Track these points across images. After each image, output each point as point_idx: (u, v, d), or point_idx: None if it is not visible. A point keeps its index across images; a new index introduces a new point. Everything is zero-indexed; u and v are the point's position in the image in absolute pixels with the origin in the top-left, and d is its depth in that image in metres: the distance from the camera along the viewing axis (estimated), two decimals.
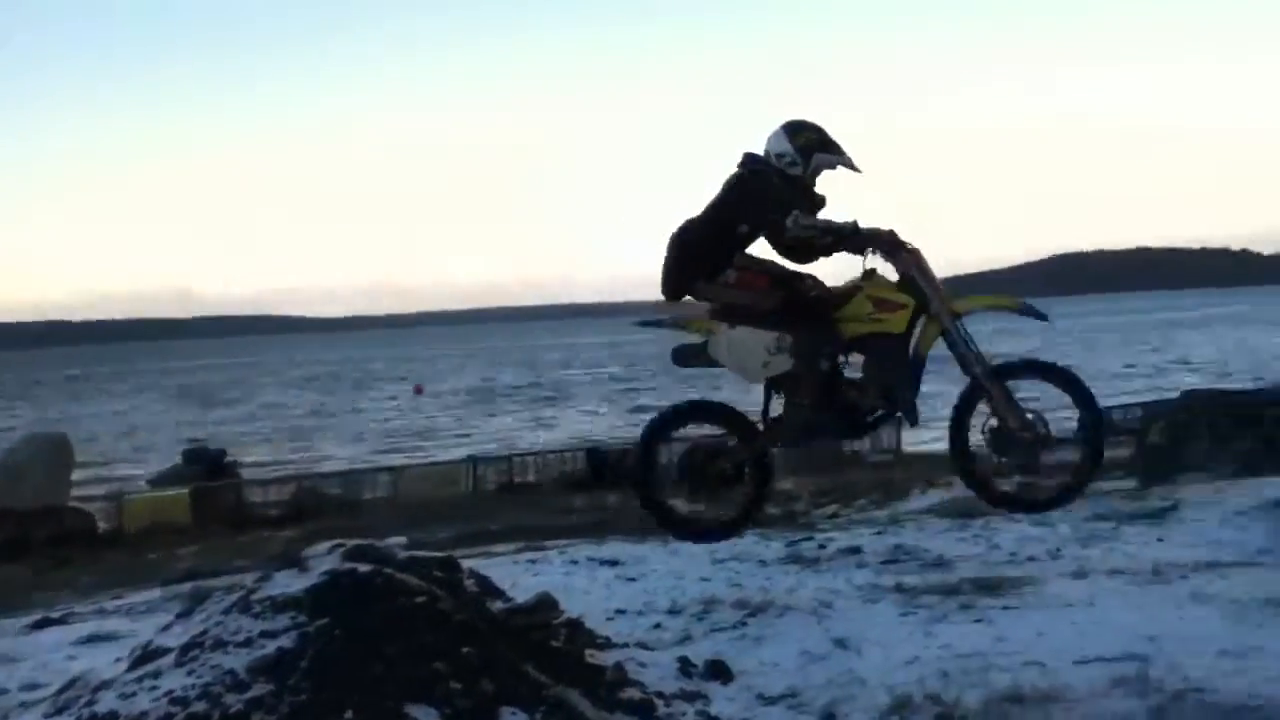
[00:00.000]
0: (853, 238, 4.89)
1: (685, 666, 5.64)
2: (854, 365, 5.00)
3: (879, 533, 9.76)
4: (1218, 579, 6.68)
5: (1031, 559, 7.92)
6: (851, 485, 15.81)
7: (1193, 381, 36.32)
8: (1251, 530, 8.06)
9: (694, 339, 4.88)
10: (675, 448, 5.79)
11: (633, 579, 8.26)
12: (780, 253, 5.05)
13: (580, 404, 50.23)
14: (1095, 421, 4.79)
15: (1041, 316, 5.19)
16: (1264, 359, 53.02)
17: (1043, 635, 5.81)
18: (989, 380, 4.81)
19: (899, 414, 4.80)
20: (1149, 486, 10.97)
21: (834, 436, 5.00)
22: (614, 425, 38.10)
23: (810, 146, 5.32)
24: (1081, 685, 4.94)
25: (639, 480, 4.69)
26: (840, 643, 6.01)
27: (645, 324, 5.59)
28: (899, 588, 7.20)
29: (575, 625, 5.77)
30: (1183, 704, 4.64)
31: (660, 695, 5.16)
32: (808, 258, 5.00)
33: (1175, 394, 16.18)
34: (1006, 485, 4.62)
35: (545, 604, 6.41)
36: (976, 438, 4.77)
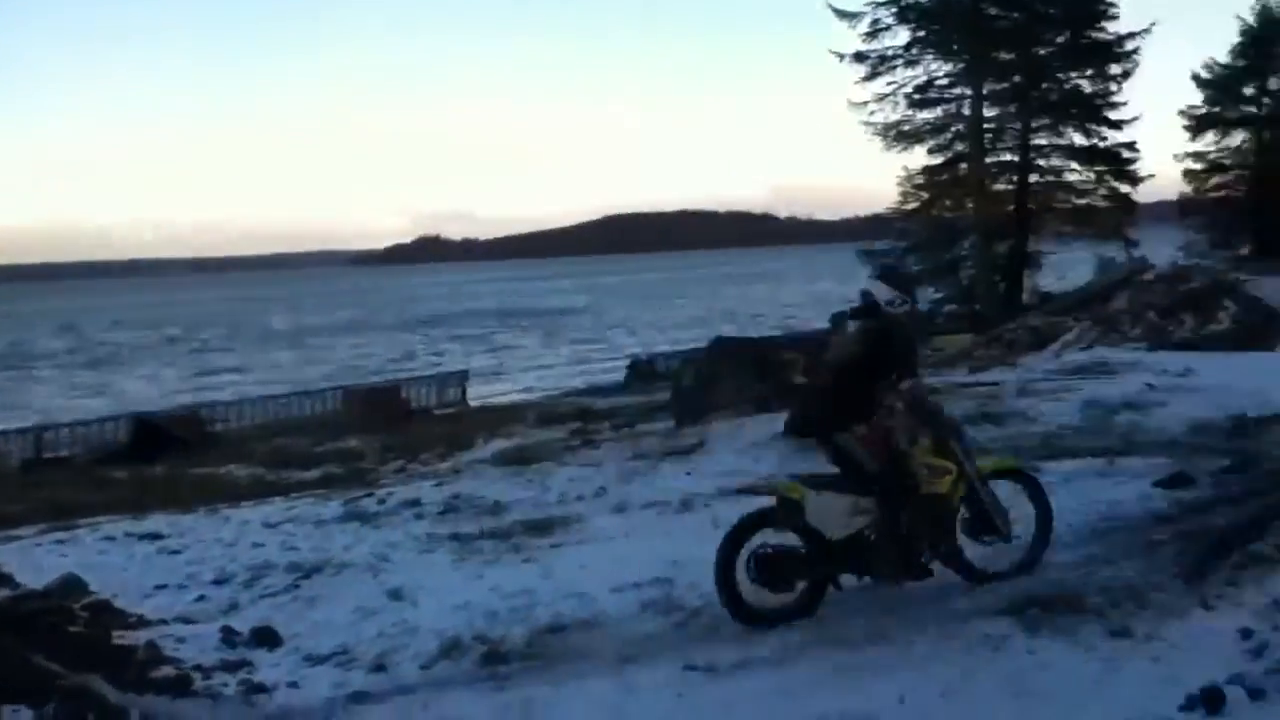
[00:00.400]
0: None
1: (229, 636, 5.40)
2: None
3: (439, 484, 9.94)
4: (734, 505, 7.43)
5: (579, 498, 8.45)
6: (418, 439, 15.86)
7: (731, 330, 40.28)
8: (763, 459, 9.10)
9: (793, 497, 5.13)
10: None
11: (176, 551, 7.76)
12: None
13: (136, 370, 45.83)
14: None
15: (1029, 477, 5.90)
16: (787, 308, 60.07)
17: (585, 568, 6.22)
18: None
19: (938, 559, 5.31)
20: (683, 426, 12.05)
21: (892, 579, 5.30)
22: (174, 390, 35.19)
23: (908, 284, 5.84)
24: (615, 610, 5.36)
25: (719, 580, 4.92)
26: (395, 594, 6.05)
27: (743, 491, 5.91)
28: (455, 536, 7.38)
29: (102, 606, 5.33)
30: (700, 617, 5.17)
31: (199, 669, 4.90)
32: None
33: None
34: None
35: (68, 586, 5.85)
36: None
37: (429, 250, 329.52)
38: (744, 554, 5.02)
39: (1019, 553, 5.50)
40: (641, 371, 25.80)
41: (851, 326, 5.65)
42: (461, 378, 27.24)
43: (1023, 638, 4.44)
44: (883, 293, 5.59)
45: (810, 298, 62.60)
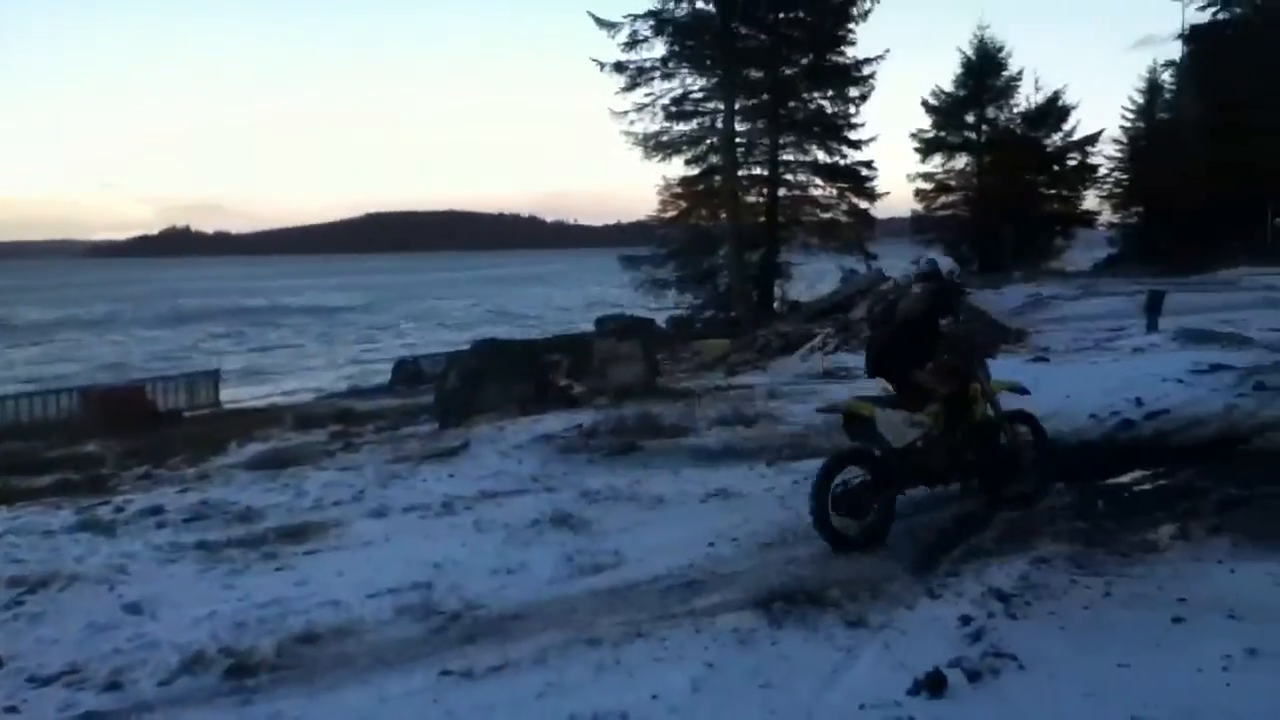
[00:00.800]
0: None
1: None
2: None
3: (185, 490, 9.38)
4: (496, 507, 7.51)
5: (337, 503, 8.19)
6: (165, 444, 14.87)
7: (500, 331, 40.04)
8: (526, 461, 9.15)
9: (865, 413, 6.30)
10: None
11: None
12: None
13: None
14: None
15: (1025, 391, 7.30)
16: (556, 310, 60.44)
17: (341, 574, 6.06)
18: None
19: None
20: (446, 427, 11.93)
21: (941, 484, 6.75)
22: None
23: (961, 262, 9.29)
24: (371, 617, 5.25)
25: (817, 520, 5.97)
26: (132, 608, 5.67)
27: (823, 411, 7.26)
28: (201, 544, 6.99)
29: None
30: (459, 622, 5.15)
31: None
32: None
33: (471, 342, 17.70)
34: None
35: None
36: None
37: (178, 243, 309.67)
38: (829, 496, 5.97)
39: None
40: (407, 373, 25.23)
41: (917, 288, 7.15)
42: (213, 378, 25.72)
43: (768, 630, 4.68)
44: (945, 264, 7.53)
45: (581, 300, 63.22)
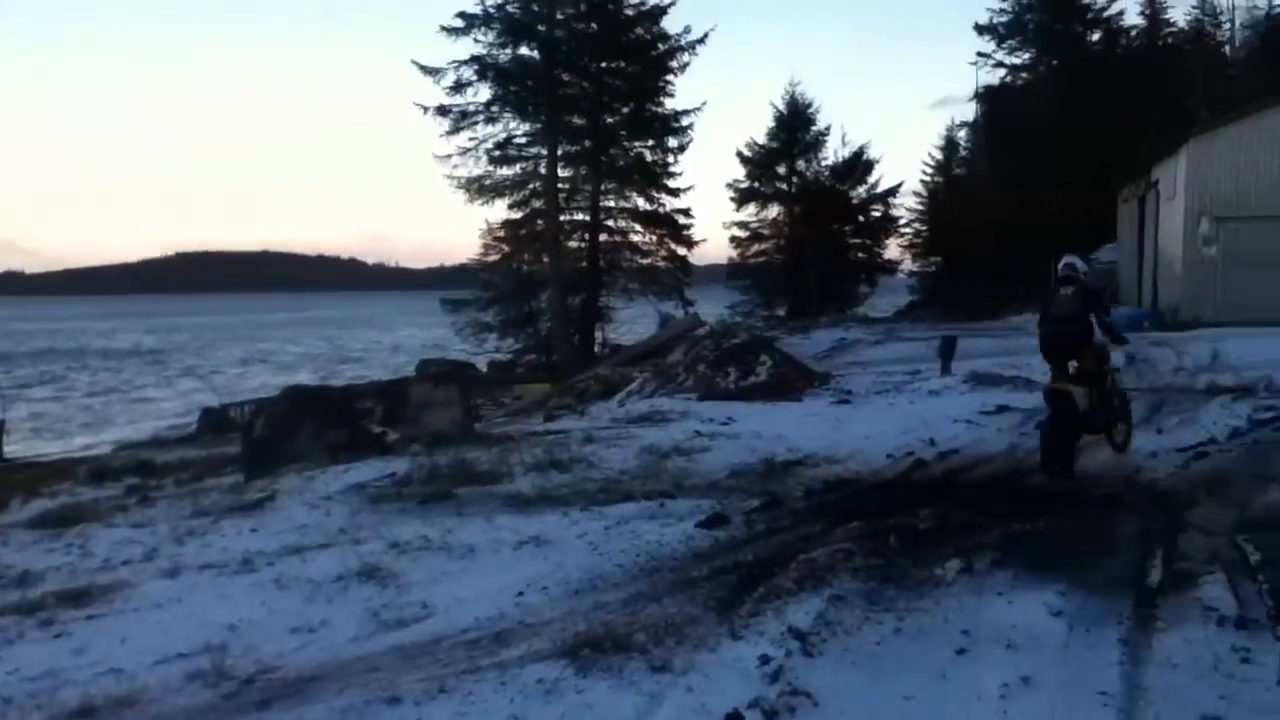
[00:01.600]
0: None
1: None
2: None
3: None
4: (300, 562, 7.23)
5: (126, 563, 7.72)
6: None
7: (320, 376, 38.81)
8: (335, 513, 8.88)
9: (1066, 389, 8.96)
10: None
11: None
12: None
13: None
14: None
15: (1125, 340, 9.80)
16: (388, 351, 59.11)
17: (125, 640, 5.71)
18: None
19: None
20: (252, 479, 11.44)
21: (1094, 434, 9.34)
22: None
23: (1087, 261, 10.38)
24: (157, 685, 4.96)
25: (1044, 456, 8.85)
26: None
27: (1045, 391, 9.35)
28: None
29: None
30: (253, 686, 4.93)
31: None
32: None
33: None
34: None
35: None
36: None
37: None
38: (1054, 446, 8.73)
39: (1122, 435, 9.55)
40: (214, 421, 24.08)
41: (1065, 290, 9.25)
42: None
43: (574, 679, 4.67)
44: (1080, 266, 9.45)
45: (415, 343, 61.82)
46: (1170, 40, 49.48)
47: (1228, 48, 48.51)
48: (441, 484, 9.62)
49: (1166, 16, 50.18)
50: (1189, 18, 49.82)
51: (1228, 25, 48.64)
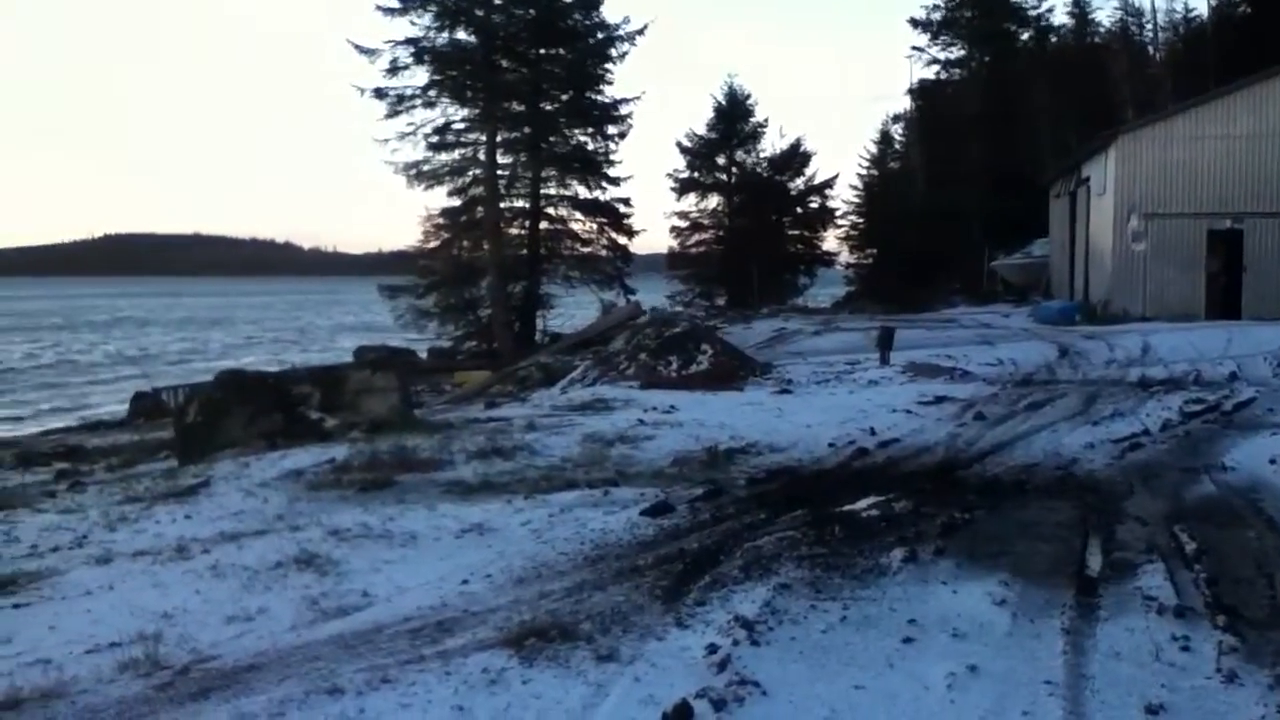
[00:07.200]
0: None
1: None
2: None
3: None
4: (236, 549, 7.05)
5: (55, 549, 7.46)
6: None
7: (257, 360, 38.10)
8: (272, 499, 8.69)
9: None
10: None
11: None
12: None
13: None
14: None
15: None
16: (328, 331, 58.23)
17: (55, 629, 5.52)
18: None
19: None
20: (186, 464, 11.16)
21: None
22: None
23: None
24: (88, 675, 4.79)
25: None
26: None
27: None
28: None
29: None
30: (188, 676, 4.78)
31: None
32: None
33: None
34: None
35: None
36: None
37: None
38: None
39: None
40: (145, 405, 23.52)
41: None
42: None
43: (519, 669, 4.61)
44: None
45: (354, 325, 60.98)
46: (1096, 39, 50.58)
47: (1151, 48, 49.70)
48: (382, 471, 9.47)
49: (1093, 16, 51.36)
50: (1113, 19, 51.01)
51: (1150, 27, 49.84)
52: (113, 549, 7.32)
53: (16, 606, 6.05)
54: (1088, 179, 29.63)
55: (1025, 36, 47.87)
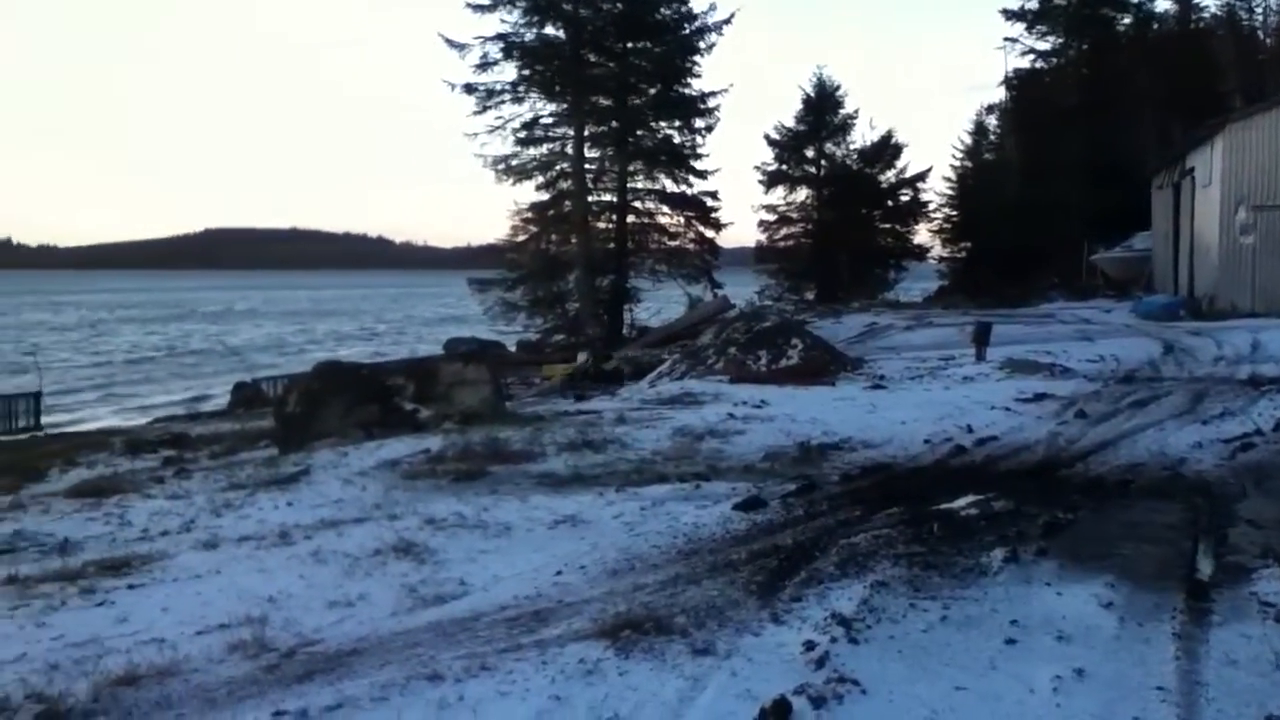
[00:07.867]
0: None
1: None
2: None
3: None
4: (336, 536, 7.23)
5: (164, 533, 7.75)
6: None
7: (365, 352, 39.02)
8: (369, 488, 8.88)
9: None
10: None
11: None
12: None
13: None
14: None
15: None
16: (410, 330, 59.35)
17: (167, 610, 5.71)
18: None
19: None
20: (286, 453, 11.47)
21: None
22: None
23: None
24: (199, 655, 4.94)
25: None
26: None
27: None
28: (11, 579, 6.48)
29: None
30: (293, 658, 4.91)
31: None
32: None
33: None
34: None
35: None
36: None
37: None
38: None
39: None
40: (246, 396, 24.26)
41: None
42: (34, 400, 24.05)
43: (615, 660, 4.62)
44: None
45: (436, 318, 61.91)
46: (1201, 25, 48.70)
47: (1260, 33, 47.70)
48: (475, 462, 9.60)
49: (1197, 1, 49.41)
50: (1219, 4, 48.97)
51: (1259, 11, 47.83)
52: (219, 534, 7.56)
53: (131, 587, 6.27)
54: (1192, 170, 28.61)
55: (1125, 23, 46.32)
